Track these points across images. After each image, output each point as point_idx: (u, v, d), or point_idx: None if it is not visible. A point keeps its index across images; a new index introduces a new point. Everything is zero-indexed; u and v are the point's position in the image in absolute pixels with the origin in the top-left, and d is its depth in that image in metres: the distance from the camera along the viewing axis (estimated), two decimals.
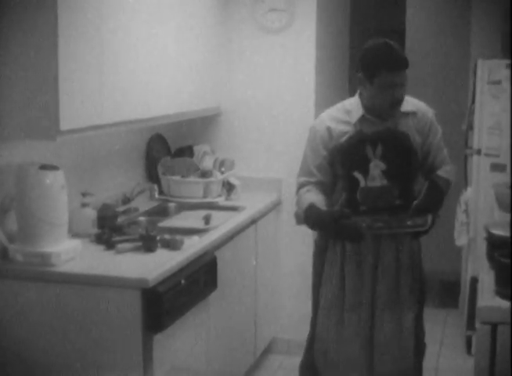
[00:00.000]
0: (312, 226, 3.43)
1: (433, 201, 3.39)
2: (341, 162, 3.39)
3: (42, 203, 3.15)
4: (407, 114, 3.47)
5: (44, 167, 3.19)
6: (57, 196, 3.20)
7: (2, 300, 3.14)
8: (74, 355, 3.08)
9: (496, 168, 4.93)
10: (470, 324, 4.77)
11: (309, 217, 3.33)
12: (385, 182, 3.35)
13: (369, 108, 3.39)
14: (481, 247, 3.69)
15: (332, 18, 5.46)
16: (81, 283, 3.08)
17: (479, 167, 5.02)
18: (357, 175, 3.35)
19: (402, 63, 3.33)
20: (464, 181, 5.33)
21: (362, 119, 3.40)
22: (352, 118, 3.41)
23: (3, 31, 3.04)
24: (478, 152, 5.01)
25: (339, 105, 3.52)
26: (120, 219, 3.93)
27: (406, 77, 3.35)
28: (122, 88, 3.51)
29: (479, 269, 3.43)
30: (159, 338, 3.11)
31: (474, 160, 5.06)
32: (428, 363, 4.89)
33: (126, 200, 4.23)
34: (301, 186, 3.50)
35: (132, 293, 3.01)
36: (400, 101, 3.36)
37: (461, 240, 5.17)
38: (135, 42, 3.62)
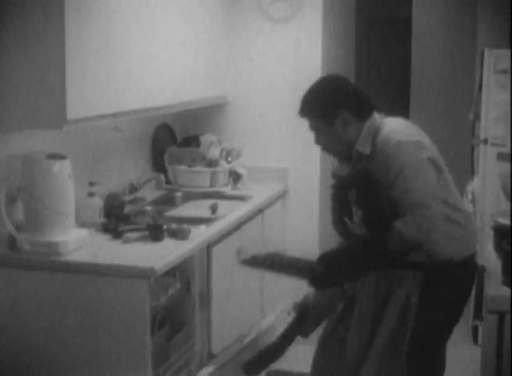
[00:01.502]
0: None
1: (340, 267, 2.88)
2: (334, 206, 3.09)
3: (49, 192, 3.16)
4: (364, 155, 2.95)
5: (51, 156, 3.19)
6: (64, 185, 3.20)
7: (10, 289, 3.15)
8: (82, 343, 3.09)
9: (503, 157, 4.91)
10: (477, 314, 4.76)
11: None
12: (363, 230, 2.95)
13: None
14: (488, 236, 3.69)
15: (338, 7, 5.44)
16: (88, 272, 3.08)
17: (486, 156, 5.01)
18: (346, 220, 3.00)
19: (300, 111, 3.03)
20: (471, 170, 5.31)
21: (339, 162, 3.12)
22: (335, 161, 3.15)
23: (9, 20, 3.04)
24: (485, 141, 5.00)
25: None
26: (127, 209, 3.93)
27: (314, 126, 2.99)
28: (129, 77, 3.51)
29: (486, 258, 3.42)
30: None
31: (481, 149, 5.04)
32: None
33: (133, 189, 4.24)
34: None
35: (139, 282, 3.01)
36: (318, 146, 3.05)
37: None
38: (142, 32, 3.61)
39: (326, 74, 3.12)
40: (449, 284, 2.93)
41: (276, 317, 4.31)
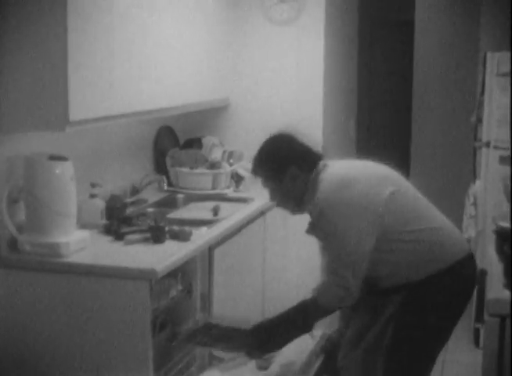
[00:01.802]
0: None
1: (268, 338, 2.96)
2: None
3: (51, 193, 3.16)
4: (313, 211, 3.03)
5: (53, 157, 3.19)
6: (66, 186, 3.20)
7: (11, 290, 3.15)
8: (83, 345, 3.09)
9: (505, 160, 4.92)
10: (479, 317, 4.76)
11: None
12: None
13: None
14: (490, 239, 3.69)
15: (340, 9, 5.44)
16: (89, 273, 3.08)
17: (488, 159, 5.01)
18: None
19: (251, 171, 3.18)
20: (473, 174, 5.32)
21: None
22: None
23: (12, 22, 3.04)
24: (487, 144, 5.00)
25: None
26: (129, 210, 3.93)
27: (267, 184, 3.08)
28: (131, 79, 3.51)
29: (487, 261, 3.42)
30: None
31: (483, 152, 5.05)
32: None
33: (135, 191, 4.24)
34: None
35: (141, 284, 3.01)
36: (276, 204, 3.17)
37: (469, 232, 5.16)
38: (144, 34, 3.62)
39: (272, 134, 3.17)
40: (428, 300, 2.92)
41: None
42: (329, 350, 3.23)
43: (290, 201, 3.06)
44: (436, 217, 3.07)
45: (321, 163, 3.03)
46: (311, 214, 2.99)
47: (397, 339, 2.93)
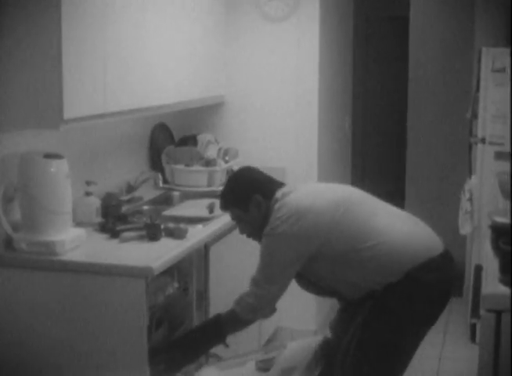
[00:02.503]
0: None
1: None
2: None
3: (46, 192, 3.16)
4: None
5: (48, 155, 3.19)
6: (61, 184, 3.20)
7: (7, 289, 3.14)
8: (79, 343, 3.09)
9: (500, 156, 4.92)
10: (475, 312, 4.77)
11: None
12: None
13: None
14: (486, 235, 3.69)
15: (335, 5, 5.44)
16: (85, 271, 3.08)
17: (483, 155, 5.01)
18: None
19: (219, 206, 3.30)
20: (468, 169, 5.32)
21: None
22: None
23: (7, 21, 3.03)
24: (482, 140, 5.00)
25: None
26: (124, 208, 3.93)
27: (236, 216, 3.20)
28: (125, 77, 3.51)
29: (483, 257, 3.42)
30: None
31: (479, 148, 5.05)
32: (432, 351, 4.91)
33: (130, 189, 4.23)
34: None
35: (137, 281, 3.01)
36: (245, 235, 3.26)
37: (465, 228, 5.16)
38: (138, 31, 3.61)
39: (235, 170, 3.45)
40: (392, 307, 3.00)
41: None
42: (329, 355, 3.24)
43: (257, 229, 3.14)
44: (393, 230, 3.08)
45: (281, 190, 3.15)
46: None
47: (363, 345, 3.02)
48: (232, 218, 3.25)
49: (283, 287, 3.08)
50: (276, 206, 3.07)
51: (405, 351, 3.08)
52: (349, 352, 3.03)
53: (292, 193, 3.11)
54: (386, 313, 3.00)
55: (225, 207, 3.25)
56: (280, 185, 3.21)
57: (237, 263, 4.07)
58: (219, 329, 3.12)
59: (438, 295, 3.08)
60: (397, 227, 3.10)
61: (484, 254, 3.48)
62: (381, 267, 2.99)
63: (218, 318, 3.14)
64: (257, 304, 3.07)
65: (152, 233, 3.39)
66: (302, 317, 4.71)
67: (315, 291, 3.33)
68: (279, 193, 3.13)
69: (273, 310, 3.14)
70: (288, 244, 3.01)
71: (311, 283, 3.20)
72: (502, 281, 2.82)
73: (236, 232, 3.96)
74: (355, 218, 3.05)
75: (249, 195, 3.14)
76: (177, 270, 3.42)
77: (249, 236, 3.24)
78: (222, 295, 3.81)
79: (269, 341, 4.89)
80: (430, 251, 3.08)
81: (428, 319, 3.13)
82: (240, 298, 3.09)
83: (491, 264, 3.06)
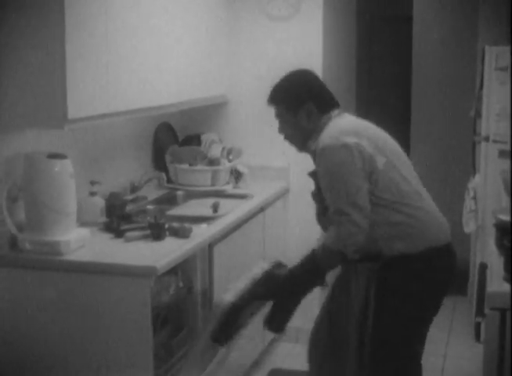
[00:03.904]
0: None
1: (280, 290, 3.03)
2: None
3: (51, 192, 3.16)
4: (313, 152, 3.08)
5: (52, 155, 3.19)
6: (65, 184, 3.21)
7: (12, 289, 3.15)
8: (83, 343, 3.09)
9: (504, 154, 4.91)
10: (479, 311, 4.74)
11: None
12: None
13: None
14: (490, 233, 3.68)
15: (339, 4, 5.44)
16: (89, 271, 3.09)
17: (487, 153, 5.00)
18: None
19: (268, 99, 3.18)
20: (472, 168, 5.31)
21: None
22: None
23: (11, 21, 3.04)
24: (486, 139, 4.99)
25: None
26: (129, 208, 3.94)
27: (279, 114, 3.13)
28: (129, 76, 3.51)
29: (488, 255, 3.41)
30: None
31: (482, 146, 5.04)
32: (437, 350, 4.91)
33: (134, 188, 4.24)
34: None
35: (141, 281, 3.01)
36: (283, 136, 3.16)
37: (469, 227, 5.16)
38: (142, 31, 3.62)
39: (296, 69, 3.25)
40: (406, 278, 2.98)
41: None
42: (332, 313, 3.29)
43: (299, 137, 3.09)
44: (425, 199, 3.11)
45: (336, 110, 3.11)
46: (314, 152, 3.03)
47: (378, 327, 3.01)
48: (276, 115, 3.15)
49: (362, 208, 2.87)
50: (331, 123, 3.02)
51: (416, 335, 3.09)
52: (366, 320, 3.04)
53: (349, 116, 3.11)
54: (397, 293, 2.98)
55: (272, 101, 3.15)
56: (337, 104, 3.14)
57: (241, 262, 4.07)
58: (316, 267, 2.97)
59: (445, 284, 3.10)
60: (428, 199, 3.12)
61: (488, 253, 3.47)
62: (409, 233, 2.97)
63: (314, 257, 2.97)
64: (349, 229, 2.87)
65: (156, 232, 3.39)
66: (306, 316, 4.70)
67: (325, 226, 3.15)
68: (335, 112, 3.09)
69: (366, 228, 2.89)
70: (342, 153, 2.90)
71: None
72: (507, 279, 2.82)
73: (240, 231, 3.98)
74: (404, 173, 3.04)
75: (303, 99, 3.06)
76: (181, 270, 3.43)
77: (286, 138, 3.15)
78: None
79: (274, 340, 4.90)
80: (447, 236, 3.09)
81: (431, 304, 3.12)
82: (328, 232, 2.95)
83: (495, 262, 3.06)
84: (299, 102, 3.07)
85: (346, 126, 3.04)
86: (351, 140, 2.93)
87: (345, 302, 3.21)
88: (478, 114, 5.11)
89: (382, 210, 2.95)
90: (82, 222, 3.50)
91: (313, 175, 3.09)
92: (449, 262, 3.08)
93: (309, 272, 2.98)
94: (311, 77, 3.21)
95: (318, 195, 3.07)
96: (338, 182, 2.92)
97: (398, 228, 2.97)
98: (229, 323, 2.92)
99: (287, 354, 4.88)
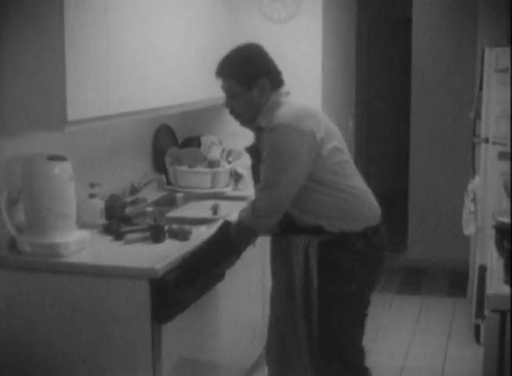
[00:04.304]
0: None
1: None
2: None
3: (50, 194, 3.16)
4: (262, 129, 3.08)
5: (52, 158, 3.19)
6: (65, 186, 3.21)
7: (11, 291, 3.15)
8: (82, 345, 3.09)
9: (504, 156, 4.91)
10: (479, 313, 4.76)
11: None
12: None
13: None
14: (490, 235, 3.68)
15: (338, 6, 5.44)
16: (89, 273, 3.08)
17: (487, 155, 5.01)
18: None
19: (216, 71, 3.17)
20: (472, 170, 5.32)
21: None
22: None
23: (10, 23, 3.04)
24: (486, 140, 5.00)
25: None
26: (128, 210, 3.94)
27: (230, 88, 3.08)
28: (128, 78, 3.51)
29: (487, 257, 3.41)
30: (167, 329, 3.12)
31: (482, 148, 5.04)
32: (437, 351, 4.91)
33: (134, 190, 4.24)
34: None
35: (141, 283, 3.01)
36: (228, 110, 3.13)
37: (469, 228, 5.16)
38: (141, 33, 3.61)
39: (244, 42, 3.25)
40: (348, 255, 3.08)
41: None
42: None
43: (249, 112, 3.07)
44: (361, 180, 3.23)
45: (283, 87, 3.14)
46: (260, 128, 3.06)
47: (323, 304, 3.11)
48: (226, 90, 3.09)
49: (288, 194, 2.97)
50: (287, 102, 3.05)
51: (358, 313, 3.20)
52: (310, 300, 3.11)
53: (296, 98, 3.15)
54: (339, 272, 3.07)
55: (223, 74, 3.10)
56: (284, 82, 3.17)
57: (240, 264, 4.06)
58: (229, 243, 3.10)
59: (379, 259, 3.23)
60: (364, 182, 3.24)
61: (488, 255, 3.47)
62: (348, 211, 3.08)
63: (227, 232, 3.10)
64: (260, 208, 2.98)
65: (156, 234, 3.39)
66: None
67: None
68: (284, 90, 3.11)
69: (283, 211, 3.02)
70: (297, 137, 2.94)
71: None
72: (507, 281, 2.81)
73: None
74: (345, 156, 3.15)
75: (258, 74, 3.05)
76: None
77: (233, 113, 3.13)
78: (227, 295, 3.81)
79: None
80: (380, 216, 3.23)
81: (371, 281, 3.24)
82: (248, 206, 3.04)
83: (495, 264, 3.06)
84: (254, 77, 3.05)
85: (304, 107, 3.09)
86: (308, 127, 2.97)
87: (286, 287, 3.24)
88: (478, 116, 5.11)
89: (326, 189, 3.05)
90: (82, 224, 3.50)
91: (251, 150, 3.17)
92: (383, 241, 3.22)
93: (221, 244, 3.09)
94: (264, 52, 3.18)
95: (254, 170, 3.16)
96: (278, 161, 2.97)
97: (340, 207, 3.07)
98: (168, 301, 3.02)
99: None
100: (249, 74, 3.05)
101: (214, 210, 4.04)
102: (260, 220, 3.01)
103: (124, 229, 3.50)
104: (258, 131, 3.12)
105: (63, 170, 3.20)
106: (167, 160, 4.67)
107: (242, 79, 3.05)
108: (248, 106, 3.07)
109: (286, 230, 3.14)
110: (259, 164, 3.06)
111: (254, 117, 3.09)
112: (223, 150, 4.80)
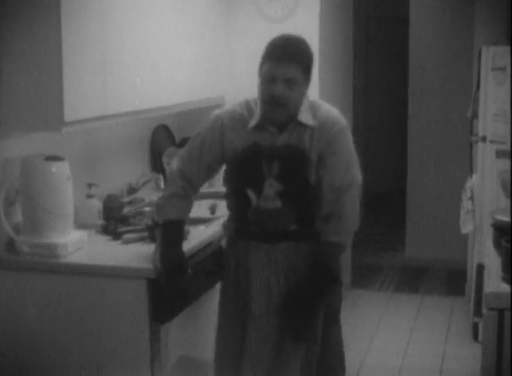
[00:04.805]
0: (159, 245, 3.03)
1: (312, 291, 2.88)
2: (235, 175, 2.97)
3: (48, 194, 3.16)
4: (305, 127, 2.89)
5: (49, 158, 3.19)
6: (63, 187, 3.21)
7: (9, 291, 3.15)
8: (81, 345, 3.09)
9: (501, 154, 4.92)
10: (477, 311, 4.77)
11: (161, 236, 3.01)
12: (279, 204, 2.88)
13: (263, 111, 2.91)
14: (487, 234, 3.69)
15: (335, 5, 5.44)
16: (87, 273, 3.09)
17: (484, 154, 5.01)
18: (250, 192, 2.90)
19: (285, 54, 2.85)
20: (469, 168, 5.32)
21: (259, 126, 2.91)
22: (252, 121, 2.94)
23: (7, 24, 3.04)
24: (483, 139, 5.00)
25: (250, 99, 3.06)
26: (126, 210, 3.93)
27: (295, 75, 2.82)
28: (126, 78, 3.51)
29: (485, 255, 3.42)
30: (166, 328, 3.12)
31: (479, 147, 5.05)
32: (435, 350, 4.91)
33: (131, 190, 4.23)
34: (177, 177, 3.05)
35: (139, 283, 3.01)
36: (278, 98, 2.81)
37: (467, 227, 5.16)
38: (138, 33, 3.61)
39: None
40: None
41: None
42: None
43: (298, 104, 2.88)
44: None
45: None
46: (300, 126, 2.89)
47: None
48: (289, 76, 2.80)
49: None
50: (318, 100, 3.08)
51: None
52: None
53: None
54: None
55: (296, 58, 2.84)
56: None
57: None
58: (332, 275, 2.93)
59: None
60: None
61: (486, 253, 3.48)
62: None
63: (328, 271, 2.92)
64: (355, 208, 2.92)
65: (153, 234, 3.38)
66: None
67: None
68: None
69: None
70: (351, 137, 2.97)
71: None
72: (505, 279, 2.82)
73: None
74: None
75: (313, 65, 2.93)
76: None
77: (283, 100, 2.82)
78: None
79: None
80: None
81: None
82: (338, 224, 2.93)
83: (493, 263, 3.06)
84: (312, 66, 2.92)
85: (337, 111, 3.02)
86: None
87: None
88: (475, 114, 5.12)
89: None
90: (79, 225, 3.50)
91: (289, 149, 2.89)
92: None
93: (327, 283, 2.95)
94: None
95: (295, 174, 2.91)
96: (356, 161, 2.96)
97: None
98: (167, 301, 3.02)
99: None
100: (311, 63, 2.90)
101: (212, 209, 4.04)
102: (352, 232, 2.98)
103: (122, 229, 3.50)
104: (294, 127, 2.89)
105: (61, 170, 3.20)
106: (165, 160, 4.66)
107: (307, 68, 2.88)
108: (300, 98, 2.87)
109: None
110: (304, 166, 2.88)
111: (297, 110, 2.89)
112: None
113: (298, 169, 2.88)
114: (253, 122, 2.93)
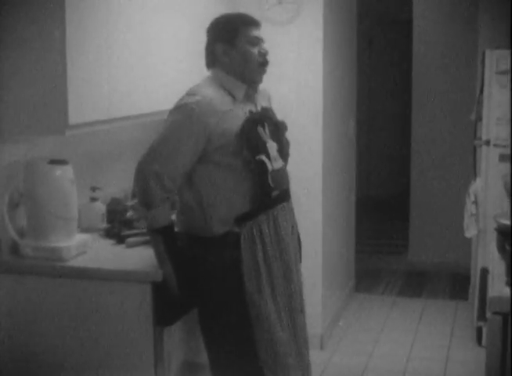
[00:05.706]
0: (156, 253, 3.02)
1: None
2: (243, 150, 3.00)
3: (52, 197, 3.16)
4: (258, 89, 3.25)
5: (53, 161, 3.19)
6: (66, 190, 3.21)
7: (13, 295, 3.15)
8: (85, 349, 3.09)
9: (505, 158, 4.92)
10: (481, 315, 4.75)
11: (157, 244, 3.01)
12: (281, 162, 3.18)
13: (256, 75, 3.20)
14: (491, 237, 3.68)
15: (339, 9, 5.44)
16: (91, 277, 3.08)
17: (488, 157, 5.01)
18: (264, 158, 3.04)
19: (256, 19, 3.27)
20: (473, 172, 5.32)
21: (246, 96, 3.13)
22: (238, 95, 3.11)
23: (11, 27, 3.04)
24: (487, 143, 5.00)
25: (206, 83, 3.23)
26: (130, 213, 3.93)
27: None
28: (130, 82, 3.51)
29: (489, 259, 3.41)
30: (170, 332, 3.11)
31: (483, 150, 5.05)
32: (439, 354, 4.91)
33: (135, 194, 4.23)
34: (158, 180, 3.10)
35: (143, 287, 3.01)
36: (267, 59, 3.22)
37: (470, 231, 5.16)
38: (142, 37, 3.62)
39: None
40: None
41: None
42: None
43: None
44: None
45: None
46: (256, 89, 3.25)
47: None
48: (262, 38, 3.31)
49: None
50: None
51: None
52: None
53: None
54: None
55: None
56: None
57: None
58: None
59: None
60: None
61: (490, 257, 3.47)
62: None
63: None
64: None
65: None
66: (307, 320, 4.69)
67: None
68: None
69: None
70: None
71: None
72: (509, 284, 2.81)
73: None
74: None
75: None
76: None
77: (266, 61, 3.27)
78: None
79: None
80: None
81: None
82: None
83: (497, 267, 3.06)
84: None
85: None
86: None
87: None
88: (479, 118, 5.12)
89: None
90: (83, 228, 3.51)
91: (268, 114, 3.24)
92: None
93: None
94: None
95: (275, 132, 3.23)
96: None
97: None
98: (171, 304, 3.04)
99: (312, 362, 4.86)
100: None
101: None
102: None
103: (126, 232, 3.50)
104: (254, 90, 3.21)
105: (65, 174, 3.20)
106: None
107: None
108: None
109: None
110: (281, 123, 3.28)
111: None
112: None
113: (280, 126, 3.22)
114: (240, 95, 3.11)
